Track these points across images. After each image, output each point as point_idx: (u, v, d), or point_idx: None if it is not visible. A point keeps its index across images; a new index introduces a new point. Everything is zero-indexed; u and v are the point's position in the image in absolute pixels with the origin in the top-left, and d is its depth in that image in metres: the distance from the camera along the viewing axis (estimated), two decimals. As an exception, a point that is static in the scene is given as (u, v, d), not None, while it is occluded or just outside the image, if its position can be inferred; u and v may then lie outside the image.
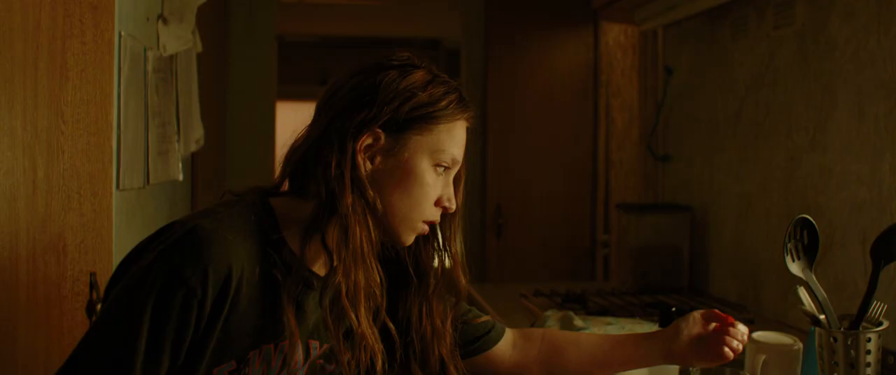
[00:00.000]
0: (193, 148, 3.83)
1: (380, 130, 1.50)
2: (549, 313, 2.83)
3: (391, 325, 1.63)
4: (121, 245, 2.74)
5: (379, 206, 1.51)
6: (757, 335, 2.03)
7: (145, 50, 2.98)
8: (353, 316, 1.47)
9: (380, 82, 1.52)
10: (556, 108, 5.36)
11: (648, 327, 2.61)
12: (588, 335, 2.00)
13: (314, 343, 1.60)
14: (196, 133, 3.85)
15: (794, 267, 1.91)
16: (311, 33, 8.73)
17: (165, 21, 3.27)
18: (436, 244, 1.70)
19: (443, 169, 1.57)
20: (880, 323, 1.87)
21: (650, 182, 4.26)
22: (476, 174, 5.55)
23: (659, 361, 1.86)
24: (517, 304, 3.41)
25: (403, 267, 1.70)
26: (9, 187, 2.00)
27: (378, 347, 1.52)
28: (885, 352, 1.93)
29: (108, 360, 1.35)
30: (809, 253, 1.92)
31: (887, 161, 2.51)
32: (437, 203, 1.59)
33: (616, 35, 4.99)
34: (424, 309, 1.71)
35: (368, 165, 1.51)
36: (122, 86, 2.67)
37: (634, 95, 4.56)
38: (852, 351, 1.83)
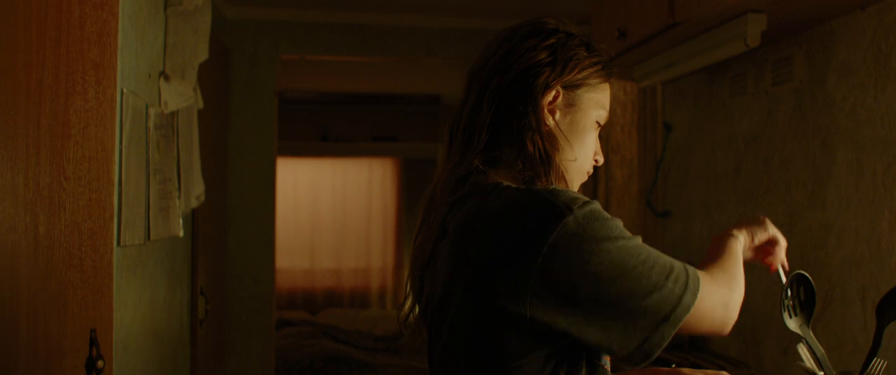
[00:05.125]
0: (194, 204, 3.84)
1: (561, 88, 1.62)
2: (549, 369, 2.82)
3: None
4: (121, 301, 2.73)
5: (567, 158, 1.64)
6: (757, 391, 2.02)
7: (147, 107, 3.00)
8: None
9: (554, 44, 1.64)
10: (555, 164, 5.36)
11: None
12: None
13: None
14: (197, 189, 3.86)
15: (792, 324, 1.91)
16: (312, 89, 8.77)
17: (167, 78, 3.29)
18: None
19: (598, 125, 1.70)
20: (880, 380, 1.87)
21: (650, 238, 4.26)
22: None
23: None
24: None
25: None
26: (10, 244, 2.01)
27: None
28: (885, 409, 1.92)
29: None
30: (807, 309, 1.92)
31: (886, 217, 2.51)
32: (592, 157, 1.72)
33: (615, 91, 5.01)
34: None
35: (551, 121, 1.61)
36: (123, 143, 2.69)
37: (634, 151, 4.58)
38: (853, 408, 1.82)
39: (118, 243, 2.65)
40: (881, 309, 1.88)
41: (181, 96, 3.42)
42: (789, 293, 1.91)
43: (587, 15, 3.82)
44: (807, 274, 1.92)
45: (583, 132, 1.66)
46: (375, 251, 9.74)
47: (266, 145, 5.52)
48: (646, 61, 3.64)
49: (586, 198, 1.44)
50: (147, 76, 3.08)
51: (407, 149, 9.33)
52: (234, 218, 5.44)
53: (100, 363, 2.27)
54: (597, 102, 1.67)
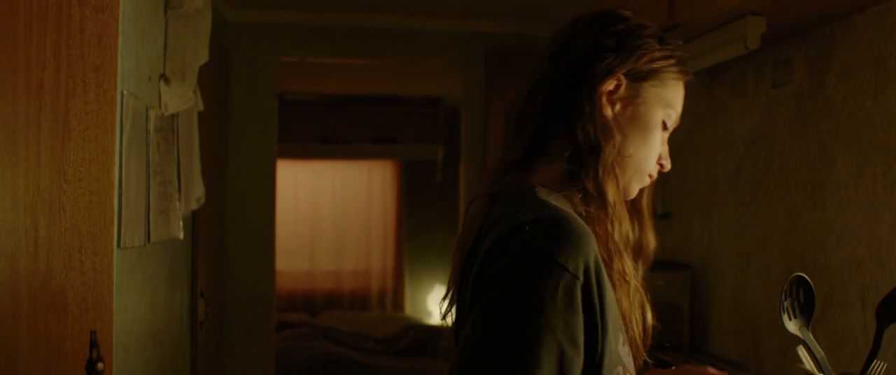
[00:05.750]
0: (194, 206, 3.84)
1: (623, 77, 1.50)
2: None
3: None
4: (121, 303, 2.74)
5: (623, 153, 1.49)
6: (757, 393, 2.02)
7: (147, 109, 3.00)
8: (629, 270, 1.45)
9: (622, 31, 1.52)
10: (555, 166, 5.35)
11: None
12: None
13: None
14: (197, 191, 3.86)
15: (791, 326, 1.91)
16: (312, 91, 8.77)
17: (167, 80, 3.30)
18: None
19: (665, 126, 1.56)
20: (880, 382, 1.87)
21: (650, 239, 4.25)
22: (476, 232, 5.55)
23: None
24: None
25: None
26: (11, 246, 2.01)
27: (648, 297, 1.51)
28: (885, 411, 1.92)
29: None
30: (806, 312, 1.92)
31: (885, 219, 2.51)
32: (657, 160, 1.58)
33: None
34: None
35: (609, 111, 1.49)
36: (123, 145, 2.69)
37: (634, 153, 4.58)
38: (853, 410, 1.82)
39: (118, 245, 2.65)
40: (881, 311, 1.87)
41: (181, 98, 3.42)
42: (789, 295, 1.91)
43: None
44: (806, 276, 1.92)
45: (645, 129, 1.52)
46: (375, 253, 9.74)
47: (266, 147, 5.52)
48: (645, 63, 3.64)
49: (580, 251, 1.29)
50: (147, 78, 3.08)
51: (407, 151, 9.33)
52: (234, 220, 5.44)
53: (100, 365, 2.28)
54: (665, 100, 1.54)
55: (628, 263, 1.47)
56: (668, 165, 1.59)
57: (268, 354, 5.51)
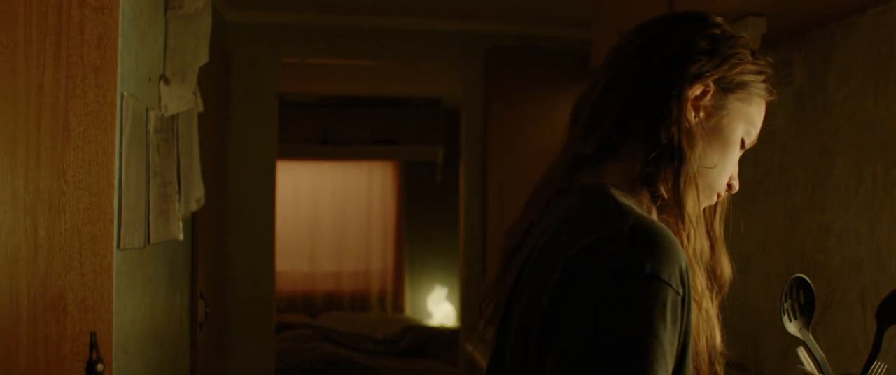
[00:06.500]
0: (194, 207, 3.84)
1: (713, 84, 1.41)
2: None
3: None
4: (121, 304, 2.73)
5: (706, 163, 1.42)
6: (757, 394, 2.02)
7: (147, 110, 3.00)
8: (700, 287, 1.37)
9: (718, 36, 1.43)
10: (555, 167, 5.35)
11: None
12: None
13: None
14: (197, 192, 3.86)
15: (792, 327, 1.90)
16: (312, 92, 8.77)
17: (167, 81, 3.29)
18: None
19: (743, 145, 1.49)
20: (880, 383, 1.86)
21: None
22: (476, 229, 5.55)
23: None
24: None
25: None
26: (10, 246, 2.01)
27: (720, 322, 1.42)
28: (885, 412, 1.92)
29: None
30: (806, 313, 1.92)
31: (885, 220, 2.51)
32: (727, 179, 1.50)
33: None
34: None
35: (693, 117, 1.40)
36: (123, 146, 2.69)
37: (634, 154, 4.57)
38: (853, 411, 1.82)
39: (118, 246, 2.65)
40: (881, 312, 1.87)
41: (181, 99, 3.42)
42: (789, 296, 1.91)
43: (587, 18, 3.82)
44: (806, 278, 1.91)
45: (725, 143, 1.45)
46: (375, 254, 9.74)
47: (266, 148, 5.52)
48: (645, 64, 3.64)
49: (677, 264, 1.22)
50: (147, 79, 3.08)
51: (407, 152, 9.33)
52: (234, 222, 5.44)
53: (100, 366, 2.28)
54: (748, 117, 1.47)
55: (701, 280, 1.39)
56: (736, 186, 1.52)
57: (268, 355, 5.51)
